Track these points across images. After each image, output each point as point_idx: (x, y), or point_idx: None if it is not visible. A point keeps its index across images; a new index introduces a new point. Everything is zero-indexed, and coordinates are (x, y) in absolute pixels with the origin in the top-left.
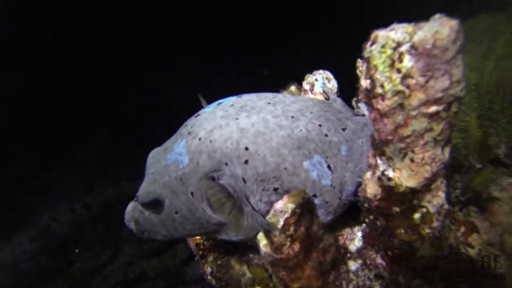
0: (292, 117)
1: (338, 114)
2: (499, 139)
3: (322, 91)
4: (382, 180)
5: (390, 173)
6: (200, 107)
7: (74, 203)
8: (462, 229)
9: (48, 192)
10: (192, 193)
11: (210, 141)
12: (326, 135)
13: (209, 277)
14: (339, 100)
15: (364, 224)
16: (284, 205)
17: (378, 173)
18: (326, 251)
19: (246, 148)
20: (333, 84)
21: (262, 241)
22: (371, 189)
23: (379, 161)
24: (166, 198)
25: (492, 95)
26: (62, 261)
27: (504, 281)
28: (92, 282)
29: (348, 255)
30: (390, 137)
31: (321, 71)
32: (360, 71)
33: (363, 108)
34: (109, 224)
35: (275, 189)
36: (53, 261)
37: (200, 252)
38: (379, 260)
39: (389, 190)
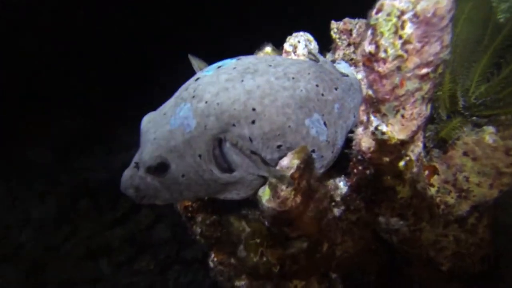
0: (293, 78)
1: (330, 75)
2: (460, 92)
3: (307, 53)
4: (376, 134)
5: (384, 128)
6: (189, 68)
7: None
8: (426, 172)
9: None
10: (200, 156)
11: (217, 103)
12: (323, 94)
13: (198, 237)
14: (329, 61)
15: (350, 175)
16: (289, 161)
17: (371, 128)
18: (320, 200)
19: (253, 109)
20: (314, 46)
21: (265, 196)
22: (365, 143)
23: (372, 118)
24: (172, 162)
25: (459, 50)
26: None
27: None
28: (49, 261)
29: (333, 203)
30: (387, 96)
31: (301, 33)
32: (335, 32)
33: (343, 67)
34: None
35: (278, 146)
36: None
37: (189, 214)
38: (362, 205)
39: (382, 142)
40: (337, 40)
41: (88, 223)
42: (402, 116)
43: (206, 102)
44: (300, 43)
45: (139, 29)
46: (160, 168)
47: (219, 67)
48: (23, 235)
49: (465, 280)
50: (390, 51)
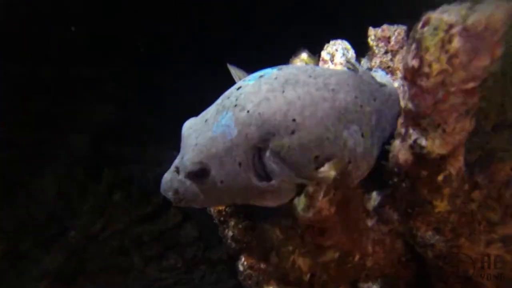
0: (333, 89)
1: (369, 86)
2: (509, 104)
3: (346, 62)
4: (414, 148)
5: (423, 142)
6: (227, 76)
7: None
8: (466, 186)
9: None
10: (239, 163)
11: (259, 113)
12: (361, 106)
13: (229, 241)
14: (368, 72)
15: (385, 186)
16: (326, 172)
17: (410, 141)
18: (354, 211)
19: (293, 120)
20: (351, 54)
21: (300, 205)
22: (403, 155)
23: (411, 131)
24: (212, 168)
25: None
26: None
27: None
28: (89, 248)
29: (365, 213)
30: (428, 111)
31: (339, 41)
32: (373, 40)
33: (380, 75)
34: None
35: (316, 157)
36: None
37: (222, 218)
38: (395, 217)
39: (420, 156)
40: (374, 48)
41: (121, 217)
42: (444, 130)
43: (248, 111)
44: (338, 51)
45: (181, 18)
46: (200, 174)
47: (260, 76)
48: (65, 224)
49: None
50: (435, 66)
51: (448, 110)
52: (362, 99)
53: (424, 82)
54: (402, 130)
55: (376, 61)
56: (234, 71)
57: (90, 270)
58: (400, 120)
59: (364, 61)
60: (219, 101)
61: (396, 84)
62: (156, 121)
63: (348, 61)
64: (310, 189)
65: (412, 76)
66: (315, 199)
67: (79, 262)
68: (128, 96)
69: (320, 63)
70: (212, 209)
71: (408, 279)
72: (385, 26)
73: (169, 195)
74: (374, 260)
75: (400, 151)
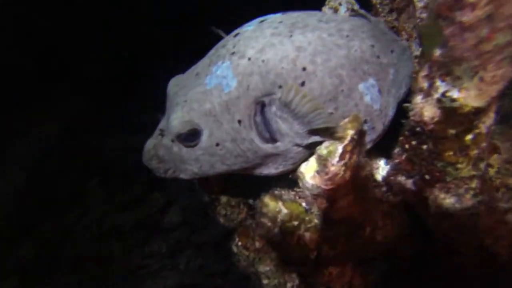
0: (347, 36)
1: (385, 36)
2: None
3: (352, 11)
4: (443, 101)
5: (455, 93)
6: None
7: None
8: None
9: None
10: (239, 121)
11: (263, 60)
12: (378, 57)
13: (221, 220)
14: (382, 21)
15: (399, 151)
16: (343, 131)
17: (437, 95)
18: (367, 179)
19: (304, 68)
20: (355, 8)
21: (309, 172)
22: (429, 112)
23: (439, 83)
24: (205, 128)
25: None
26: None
27: None
28: (65, 239)
29: (374, 183)
30: (467, 54)
31: None
32: None
33: None
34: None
35: (330, 114)
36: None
37: (213, 195)
38: (409, 186)
39: (450, 111)
40: (378, 6)
41: (99, 205)
42: (481, 79)
43: (249, 58)
44: (342, 5)
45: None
46: (191, 136)
47: (262, 21)
48: (36, 216)
49: None
50: None
51: (491, 53)
52: (379, 49)
53: (466, 17)
54: (425, 85)
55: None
56: (220, 31)
57: (66, 263)
58: (423, 73)
59: (343, 10)
60: (211, 52)
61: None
62: (135, 108)
63: (355, 11)
64: (323, 151)
65: (449, 10)
66: (328, 163)
67: (54, 255)
68: (103, 85)
69: None
70: (197, 186)
71: (409, 256)
72: None
73: (153, 164)
74: (383, 233)
75: (424, 108)
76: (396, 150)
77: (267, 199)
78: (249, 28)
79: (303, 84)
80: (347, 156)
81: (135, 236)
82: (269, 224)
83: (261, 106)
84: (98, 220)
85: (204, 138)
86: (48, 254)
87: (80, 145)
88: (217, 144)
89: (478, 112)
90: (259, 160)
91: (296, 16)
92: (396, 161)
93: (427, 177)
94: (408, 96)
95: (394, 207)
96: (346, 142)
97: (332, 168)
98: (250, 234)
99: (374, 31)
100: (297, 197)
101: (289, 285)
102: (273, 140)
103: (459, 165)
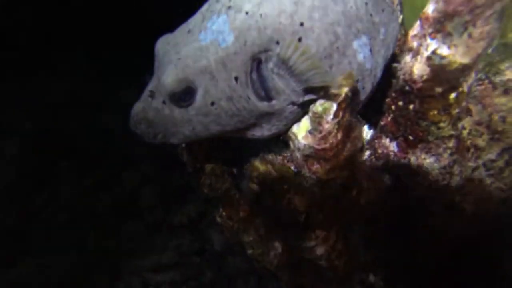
0: None
1: None
2: None
3: None
4: (433, 59)
5: (445, 50)
6: None
7: None
8: None
9: None
10: (236, 78)
11: (260, 15)
12: (371, 15)
13: (205, 190)
14: None
15: (384, 113)
16: (337, 87)
17: (427, 53)
18: (357, 139)
19: (301, 24)
20: None
21: (301, 132)
22: (419, 70)
23: (429, 41)
24: (200, 87)
25: None
26: None
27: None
28: (31, 227)
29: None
30: (460, 8)
31: None
32: None
33: None
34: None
35: (325, 72)
36: None
37: (198, 165)
38: (392, 148)
39: (439, 68)
40: None
41: (69, 188)
42: (470, 35)
43: (246, 12)
44: None
45: None
46: (185, 94)
47: None
48: None
49: (486, 223)
50: None
51: (482, 7)
52: (372, 7)
53: None
54: (415, 44)
55: None
56: None
57: (33, 251)
58: (413, 33)
59: None
60: (204, 7)
61: None
62: (105, 87)
63: None
64: (319, 107)
65: None
66: (323, 121)
67: (19, 244)
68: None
69: None
70: (185, 156)
71: (388, 220)
72: None
73: (142, 128)
74: (366, 197)
75: (414, 66)
76: (383, 112)
77: (257, 163)
78: None
79: (300, 40)
80: (341, 113)
81: (108, 219)
82: (258, 188)
83: (257, 63)
84: (68, 203)
85: (199, 97)
86: (15, 242)
87: (48, 125)
88: (212, 103)
89: (464, 69)
90: (254, 120)
91: None
92: (382, 123)
93: (410, 137)
94: (393, 58)
95: (377, 170)
96: (340, 99)
97: (326, 126)
98: (234, 205)
99: None
100: (285, 161)
101: (272, 253)
102: (268, 98)
103: (441, 124)
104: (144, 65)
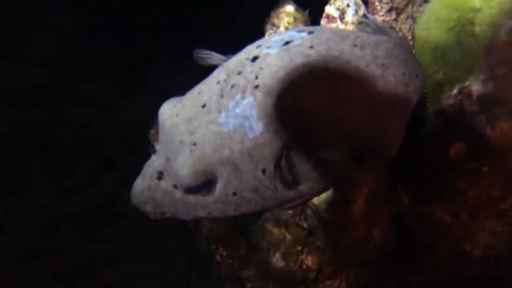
0: (383, 65)
1: (411, 58)
2: None
3: (359, 22)
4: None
5: (488, 131)
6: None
7: None
8: None
9: None
10: (263, 170)
11: None
12: (408, 85)
13: (205, 231)
14: (403, 36)
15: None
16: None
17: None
18: (379, 204)
19: None
20: (364, 11)
21: (322, 204)
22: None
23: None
24: (220, 177)
25: None
26: None
27: None
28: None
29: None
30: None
31: None
32: None
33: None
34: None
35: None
36: None
37: None
38: (406, 201)
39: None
40: (377, 4)
41: (41, 192)
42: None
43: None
44: (350, 7)
45: None
46: (204, 186)
47: (286, 43)
48: None
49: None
50: None
51: None
52: (409, 76)
53: None
54: (448, 115)
55: (365, 14)
56: (208, 58)
57: (6, 259)
58: (447, 102)
59: (351, 13)
60: (221, 76)
61: None
62: (85, 81)
63: (367, 17)
64: (349, 192)
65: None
66: (351, 201)
67: None
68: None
69: (323, 21)
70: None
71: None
72: None
73: (147, 208)
74: (375, 242)
75: (449, 142)
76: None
77: (270, 226)
78: (271, 52)
79: None
80: (367, 192)
81: (86, 224)
82: (271, 250)
83: (287, 149)
84: (42, 208)
85: (219, 188)
86: None
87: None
88: (234, 194)
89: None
90: (278, 205)
91: (327, 39)
92: (399, 178)
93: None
94: None
95: (386, 214)
96: (370, 181)
97: (354, 206)
98: (235, 244)
99: (403, 54)
100: (297, 218)
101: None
102: (295, 183)
103: (468, 193)
104: None
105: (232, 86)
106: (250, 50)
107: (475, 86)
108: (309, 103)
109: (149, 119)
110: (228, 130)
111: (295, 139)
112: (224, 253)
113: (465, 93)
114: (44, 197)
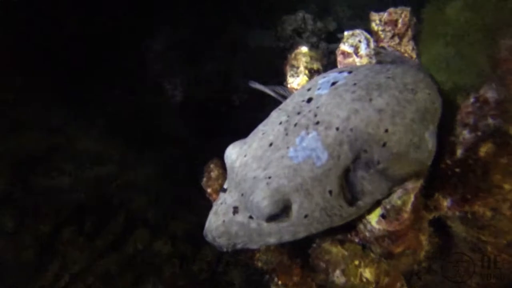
0: (412, 89)
1: (432, 80)
2: None
3: (395, 56)
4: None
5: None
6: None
7: None
8: None
9: None
10: (330, 192)
11: (351, 129)
12: (433, 103)
13: (260, 264)
14: (420, 63)
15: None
16: (413, 182)
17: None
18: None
19: (386, 130)
20: (372, 44)
21: (373, 218)
22: (484, 148)
23: (490, 120)
24: (294, 203)
25: None
26: None
27: None
28: None
29: None
30: None
31: (358, 31)
32: (377, 24)
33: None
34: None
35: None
36: None
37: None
38: (446, 204)
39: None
40: (380, 33)
41: (77, 254)
42: None
43: (337, 128)
44: (362, 42)
45: None
46: (282, 213)
47: (333, 83)
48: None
49: None
50: None
51: None
52: (434, 95)
53: None
54: (471, 120)
55: (383, 46)
56: (261, 87)
57: None
58: (466, 110)
59: (364, 47)
60: (282, 117)
61: None
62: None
63: (394, 54)
64: (398, 201)
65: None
66: (402, 211)
67: None
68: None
69: (340, 58)
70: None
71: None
72: (391, 10)
73: (221, 242)
74: (425, 250)
75: (478, 143)
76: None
77: (327, 246)
78: (323, 93)
79: (384, 145)
80: (415, 202)
81: (124, 280)
82: (330, 269)
83: (347, 171)
84: (80, 271)
85: (294, 213)
86: None
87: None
88: (306, 216)
89: None
90: (342, 222)
91: (364, 76)
92: (436, 184)
93: (469, 196)
94: None
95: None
96: (417, 191)
97: (405, 216)
98: (288, 271)
99: (426, 78)
100: (348, 236)
101: None
102: (354, 199)
103: (505, 185)
104: None
105: (295, 125)
106: (302, 93)
107: (490, 94)
108: (363, 133)
109: None
110: (298, 162)
111: (352, 161)
112: (280, 282)
113: (482, 101)
114: (81, 260)
